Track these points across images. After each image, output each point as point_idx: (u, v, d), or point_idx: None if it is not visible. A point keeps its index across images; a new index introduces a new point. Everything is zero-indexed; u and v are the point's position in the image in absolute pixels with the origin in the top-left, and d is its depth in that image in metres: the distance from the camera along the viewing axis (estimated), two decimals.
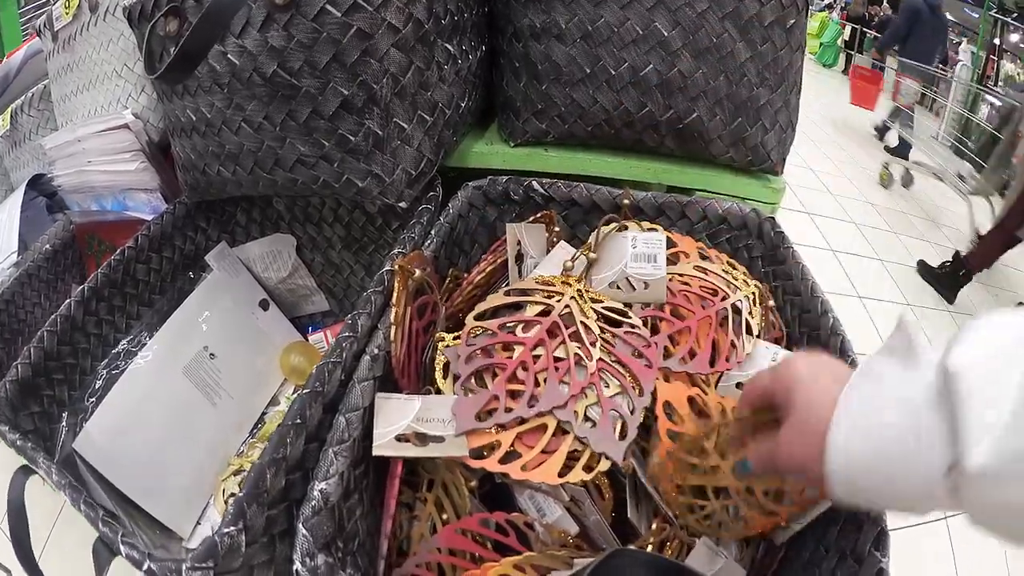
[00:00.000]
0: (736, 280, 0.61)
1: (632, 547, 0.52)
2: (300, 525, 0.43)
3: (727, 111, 0.68)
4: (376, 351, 0.52)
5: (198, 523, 0.74)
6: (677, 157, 0.71)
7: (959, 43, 4.31)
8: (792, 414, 0.38)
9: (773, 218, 0.67)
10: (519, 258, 0.60)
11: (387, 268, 0.56)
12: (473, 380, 0.52)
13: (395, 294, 0.52)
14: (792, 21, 0.67)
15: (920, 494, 0.31)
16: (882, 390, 0.33)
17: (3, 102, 1.16)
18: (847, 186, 3.63)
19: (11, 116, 1.08)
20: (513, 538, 0.50)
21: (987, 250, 2.72)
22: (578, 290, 0.56)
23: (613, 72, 0.66)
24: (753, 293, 0.60)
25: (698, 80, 0.66)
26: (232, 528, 0.42)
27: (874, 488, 0.33)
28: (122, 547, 0.46)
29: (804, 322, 0.62)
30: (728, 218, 0.67)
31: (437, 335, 0.56)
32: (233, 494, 0.75)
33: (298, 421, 0.47)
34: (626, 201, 0.65)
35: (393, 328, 0.52)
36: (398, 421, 0.50)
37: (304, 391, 0.48)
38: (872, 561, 0.42)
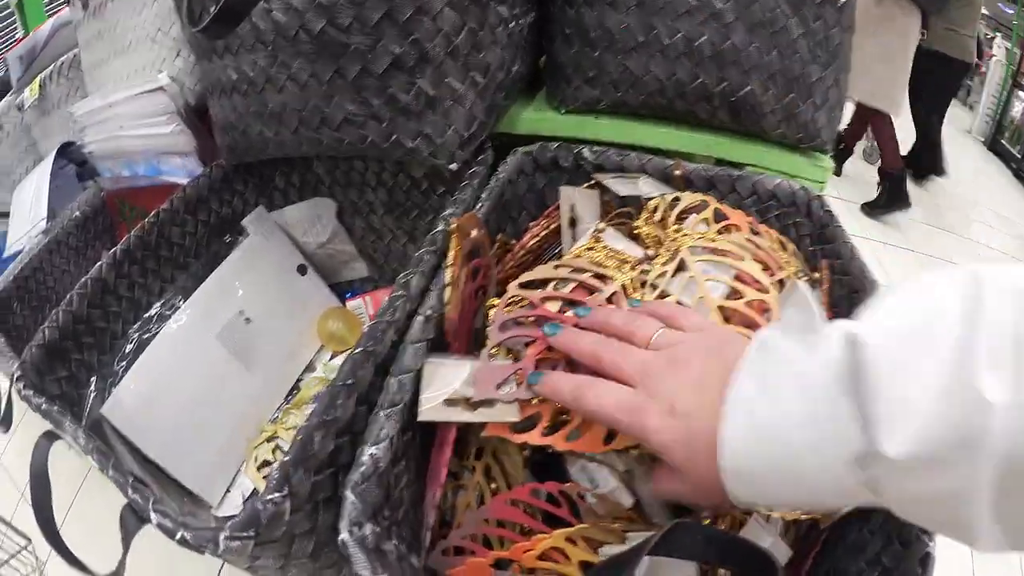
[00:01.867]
0: (786, 257, 0.57)
1: (690, 520, 0.48)
2: (348, 491, 0.39)
3: (779, 85, 0.64)
4: (429, 312, 0.47)
5: (228, 491, 0.70)
6: (728, 130, 0.66)
7: (992, 38, 4.12)
8: (677, 470, 0.32)
9: (821, 196, 0.63)
10: (572, 223, 0.56)
11: (440, 228, 0.51)
12: (505, 349, 0.47)
13: (451, 253, 0.47)
14: (843, 1, 0.63)
15: (829, 487, 0.26)
16: (779, 370, 0.28)
17: (31, 73, 1.10)
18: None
19: (40, 85, 1.02)
20: (566, 510, 0.46)
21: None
22: (630, 279, 0.50)
23: (667, 42, 0.61)
24: (801, 272, 0.55)
25: (751, 53, 0.62)
26: (276, 495, 0.38)
27: (775, 485, 0.27)
28: (153, 515, 0.41)
29: (855, 302, 0.57)
30: (777, 194, 0.62)
31: (489, 301, 0.51)
32: (266, 461, 0.71)
33: (350, 381, 0.42)
34: (678, 172, 0.60)
35: (448, 290, 0.47)
36: (448, 385, 0.45)
37: (356, 350, 0.43)
38: (919, 546, 0.38)
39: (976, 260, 2.72)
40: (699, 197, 0.56)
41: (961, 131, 4.14)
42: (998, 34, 4.13)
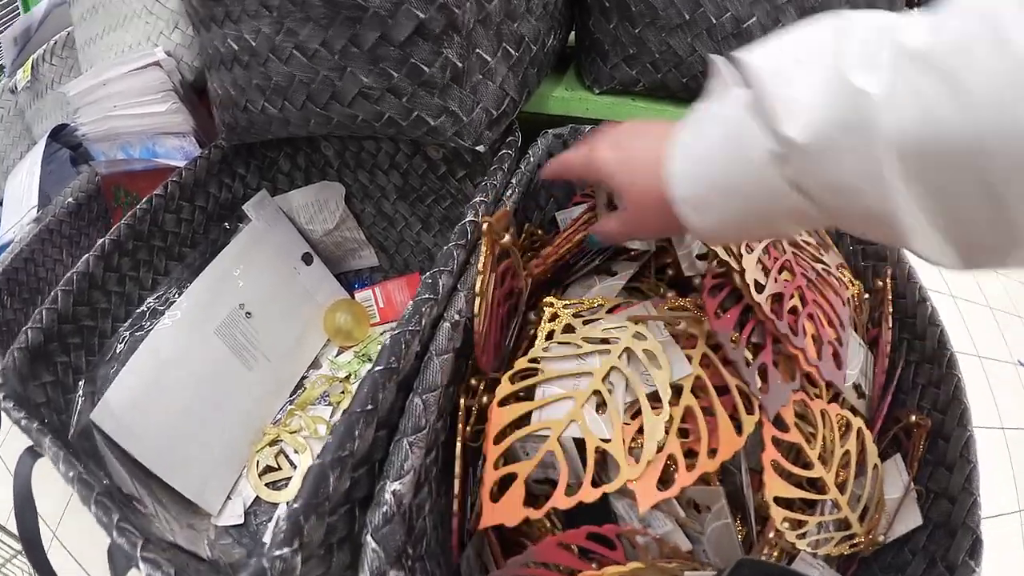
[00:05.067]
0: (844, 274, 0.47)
1: (753, 557, 0.38)
2: (369, 537, 0.30)
3: None
4: (456, 317, 0.37)
5: (228, 497, 0.59)
6: None
7: None
8: (626, 195, 0.35)
9: None
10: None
11: (470, 218, 0.41)
12: None
13: (482, 259, 0.37)
14: None
15: (762, 192, 0.27)
16: (704, 117, 0.31)
17: (25, 54, 0.97)
18: None
19: (32, 66, 0.89)
20: (620, 552, 0.36)
21: None
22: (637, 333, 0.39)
23: (714, 20, 0.51)
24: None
25: None
26: (286, 549, 0.28)
27: (720, 202, 0.30)
28: (142, 563, 0.31)
29: (898, 308, 0.48)
30: None
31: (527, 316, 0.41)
32: (269, 467, 0.60)
33: (369, 407, 0.32)
34: None
35: (477, 300, 0.37)
36: None
37: (377, 368, 0.33)
38: (965, 570, 0.35)
39: None
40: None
41: None
42: None
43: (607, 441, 0.35)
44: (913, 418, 0.42)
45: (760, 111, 0.26)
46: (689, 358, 0.39)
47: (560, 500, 0.33)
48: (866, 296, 0.49)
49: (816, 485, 0.38)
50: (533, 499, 0.37)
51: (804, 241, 0.48)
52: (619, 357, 0.37)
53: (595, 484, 0.34)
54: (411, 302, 0.36)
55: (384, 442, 0.35)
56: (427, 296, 0.36)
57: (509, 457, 0.37)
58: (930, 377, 0.43)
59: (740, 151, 0.27)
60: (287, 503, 0.59)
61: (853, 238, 0.53)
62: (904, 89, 0.22)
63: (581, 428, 0.35)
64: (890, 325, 0.46)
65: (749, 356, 0.38)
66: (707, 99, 0.32)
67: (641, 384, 0.37)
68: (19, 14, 1.38)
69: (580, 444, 0.36)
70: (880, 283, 0.48)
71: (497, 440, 0.36)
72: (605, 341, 0.38)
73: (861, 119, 0.23)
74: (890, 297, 0.47)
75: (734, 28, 0.51)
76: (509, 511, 0.34)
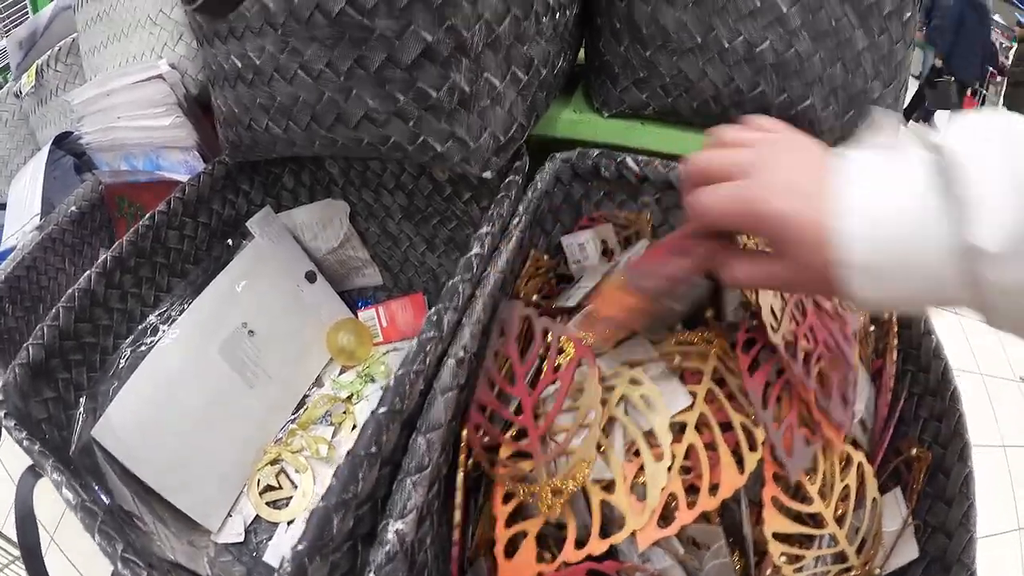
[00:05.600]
0: None
1: None
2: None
3: (841, 102, 0.53)
4: (461, 354, 0.36)
5: (229, 515, 0.59)
6: None
7: (1010, 48, 3.85)
8: (784, 251, 0.29)
9: None
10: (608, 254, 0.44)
11: (475, 251, 0.40)
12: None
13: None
14: (908, 14, 0.52)
15: (937, 277, 0.25)
16: (883, 176, 0.27)
17: (31, 59, 0.96)
18: None
19: (37, 72, 0.89)
20: None
21: None
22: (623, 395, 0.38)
23: (727, 45, 0.50)
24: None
25: (815, 64, 0.51)
26: None
27: (895, 278, 0.26)
28: None
29: (902, 338, 0.47)
30: None
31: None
32: (269, 486, 0.60)
33: (373, 450, 0.31)
34: None
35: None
36: None
37: (381, 410, 0.32)
38: None
39: None
40: None
41: None
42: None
43: (610, 486, 0.35)
44: (914, 451, 0.41)
45: (954, 201, 0.24)
46: (693, 394, 0.39)
47: (570, 555, 0.33)
48: (872, 328, 0.48)
49: (815, 519, 0.38)
50: (542, 540, 0.36)
51: None
52: (616, 406, 0.37)
53: (603, 532, 0.34)
54: (415, 339, 0.35)
55: (387, 479, 0.34)
56: (432, 334, 0.35)
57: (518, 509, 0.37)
58: (932, 410, 0.43)
59: (923, 232, 0.25)
60: (287, 523, 0.59)
61: None
62: None
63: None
64: (895, 359, 0.45)
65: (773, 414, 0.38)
66: (874, 152, 0.28)
67: (640, 428, 0.36)
68: (28, 14, 1.38)
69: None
70: (886, 314, 0.47)
71: (506, 500, 0.36)
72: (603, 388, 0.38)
73: None
74: (896, 330, 0.46)
75: (747, 53, 0.50)
76: (523, 569, 0.34)
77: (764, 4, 0.49)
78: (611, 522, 0.36)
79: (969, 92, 3.61)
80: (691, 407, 0.38)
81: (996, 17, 3.57)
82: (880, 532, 0.39)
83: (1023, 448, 1.31)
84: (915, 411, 0.44)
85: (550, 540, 0.36)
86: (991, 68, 3.56)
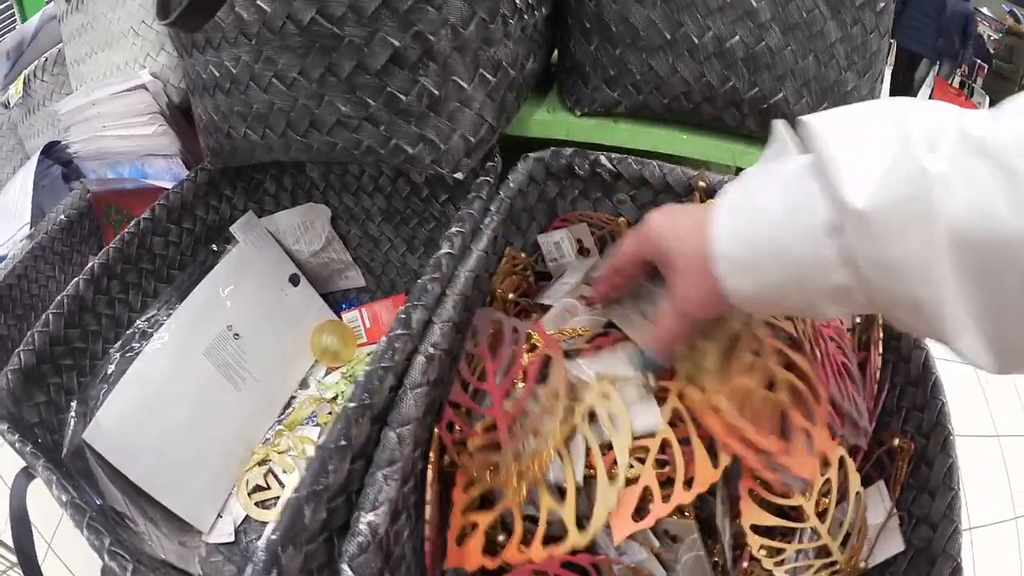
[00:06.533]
0: None
1: None
2: (345, 566, 0.31)
3: (814, 94, 0.54)
4: (431, 351, 0.38)
5: (219, 516, 0.60)
6: (756, 139, 0.56)
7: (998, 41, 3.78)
8: (673, 262, 0.33)
9: None
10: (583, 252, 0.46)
11: (444, 251, 0.41)
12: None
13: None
14: (883, 4, 0.53)
15: (811, 261, 0.26)
16: (757, 179, 0.30)
17: (17, 69, 0.98)
18: None
19: (24, 82, 0.90)
20: None
21: None
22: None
23: (696, 41, 0.51)
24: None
25: (786, 57, 0.52)
26: None
27: (765, 268, 0.28)
28: None
29: (884, 329, 0.47)
30: None
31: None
32: (258, 486, 0.61)
33: (342, 443, 0.32)
34: (701, 184, 0.50)
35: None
36: None
37: (350, 404, 0.33)
38: None
39: None
40: None
41: None
42: None
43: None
44: (897, 441, 0.42)
45: (823, 175, 0.26)
46: (667, 391, 0.39)
47: (537, 552, 0.34)
48: (857, 319, 0.49)
49: (796, 512, 0.38)
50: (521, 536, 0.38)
51: None
52: (582, 420, 0.37)
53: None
54: (384, 337, 0.36)
55: (361, 473, 0.35)
56: (401, 332, 0.36)
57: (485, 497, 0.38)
58: (914, 401, 0.43)
59: (794, 215, 0.27)
60: (275, 522, 0.60)
61: None
62: (964, 174, 0.22)
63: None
64: (880, 351, 0.46)
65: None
66: (764, 161, 0.31)
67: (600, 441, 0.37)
68: (16, 24, 1.39)
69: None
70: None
71: (467, 488, 0.37)
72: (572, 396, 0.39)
73: (923, 198, 0.23)
74: (880, 322, 0.46)
75: (716, 48, 0.51)
76: (468, 557, 0.36)
77: None
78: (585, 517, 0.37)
79: (955, 84, 3.54)
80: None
81: (984, 10, 3.53)
82: (865, 526, 0.40)
83: (1018, 438, 1.32)
84: (897, 402, 0.45)
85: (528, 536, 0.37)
86: (967, 44, 3.45)
